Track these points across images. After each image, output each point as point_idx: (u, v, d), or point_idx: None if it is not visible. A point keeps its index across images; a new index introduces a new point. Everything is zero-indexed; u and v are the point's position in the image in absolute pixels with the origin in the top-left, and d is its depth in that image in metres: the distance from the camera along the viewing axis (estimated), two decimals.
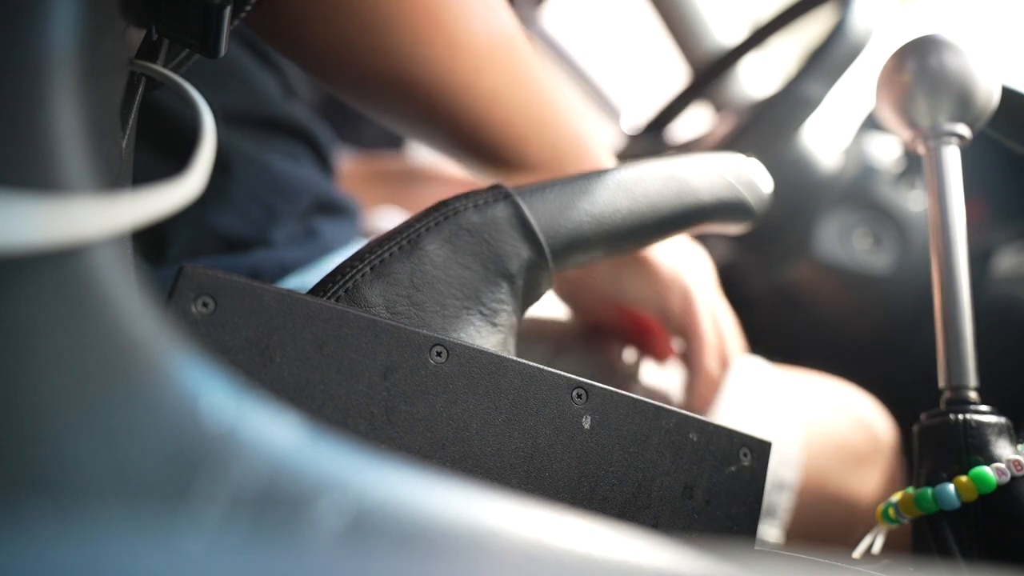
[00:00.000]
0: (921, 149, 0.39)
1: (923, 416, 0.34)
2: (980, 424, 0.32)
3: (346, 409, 0.26)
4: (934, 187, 0.38)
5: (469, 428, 0.27)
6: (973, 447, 0.32)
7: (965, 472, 0.31)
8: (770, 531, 0.53)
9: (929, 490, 0.32)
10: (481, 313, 0.31)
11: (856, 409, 0.58)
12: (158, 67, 0.28)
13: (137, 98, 0.29)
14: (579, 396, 0.29)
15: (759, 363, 0.60)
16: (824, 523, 0.53)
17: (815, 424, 0.55)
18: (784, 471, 0.52)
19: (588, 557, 0.15)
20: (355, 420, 0.26)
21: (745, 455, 0.32)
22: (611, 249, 0.35)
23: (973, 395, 0.34)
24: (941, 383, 0.34)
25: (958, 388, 0.34)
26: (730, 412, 0.53)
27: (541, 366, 0.29)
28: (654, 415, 0.30)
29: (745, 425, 0.53)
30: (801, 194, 0.77)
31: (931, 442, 0.34)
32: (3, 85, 0.15)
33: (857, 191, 0.76)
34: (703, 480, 0.31)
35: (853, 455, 0.55)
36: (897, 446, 0.59)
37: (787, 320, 0.82)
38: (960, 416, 0.33)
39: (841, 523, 0.54)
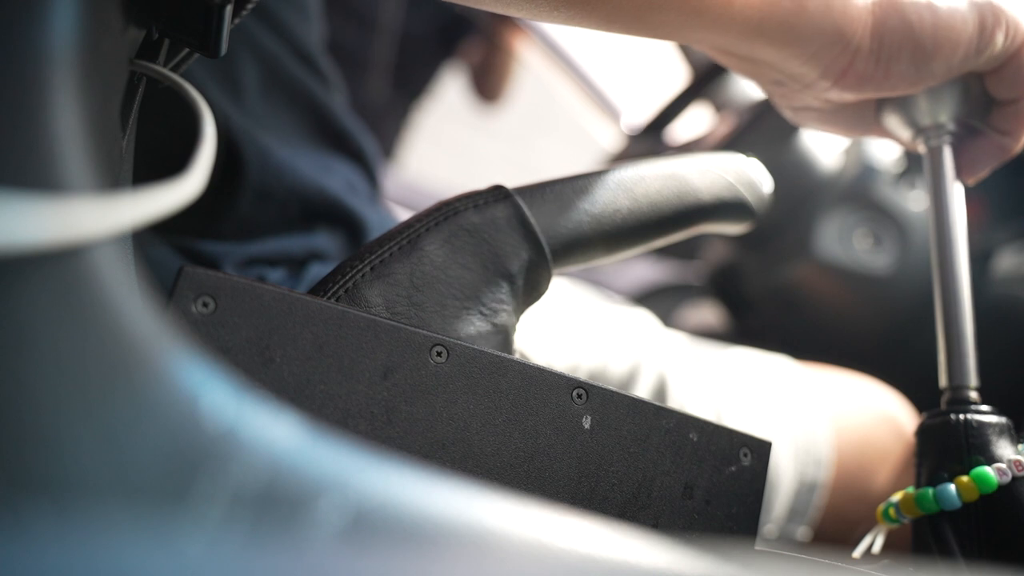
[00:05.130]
0: (921, 149, 0.39)
1: (924, 416, 0.34)
2: (981, 424, 0.32)
3: (346, 409, 0.26)
4: (934, 187, 0.38)
5: (469, 428, 0.27)
6: (974, 447, 0.32)
7: (966, 472, 0.31)
8: (800, 531, 0.53)
9: (930, 490, 0.32)
10: (481, 313, 0.31)
11: (880, 404, 0.58)
12: (158, 67, 0.28)
13: (137, 98, 0.29)
14: (579, 396, 0.29)
15: (786, 361, 0.60)
16: (849, 519, 0.53)
17: (841, 421, 0.55)
18: (816, 471, 0.52)
19: (588, 557, 0.15)
20: (355, 420, 0.26)
21: (745, 455, 0.32)
22: (611, 249, 0.35)
23: (974, 395, 0.34)
24: (942, 383, 0.34)
25: (959, 388, 0.34)
26: (761, 412, 0.53)
27: (541, 366, 0.29)
28: (654, 415, 0.30)
29: (777, 425, 0.53)
30: (801, 194, 0.77)
31: (932, 442, 0.34)
32: (3, 85, 0.15)
33: (857, 191, 0.76)
34: (703, 480, 0.31)
35: (878, 451, 0.55)
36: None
37: (787, 320, 0.82)
38: (961, 416, 0.33)
39: (865, 518, 0.54)
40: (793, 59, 0.35)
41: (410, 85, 1.35)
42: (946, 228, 0.36)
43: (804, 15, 0.33)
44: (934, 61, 0.35)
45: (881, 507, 0.35)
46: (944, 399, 0.34)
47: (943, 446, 0.33)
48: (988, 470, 0.31)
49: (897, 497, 0.34)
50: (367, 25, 1.22)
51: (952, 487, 0.31)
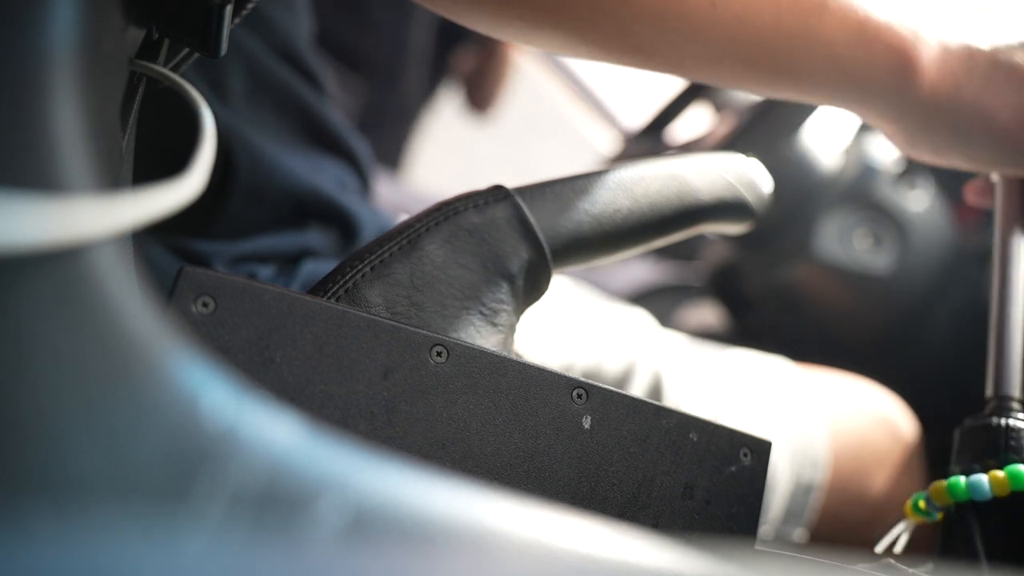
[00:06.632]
0: (995, 176, 0.41)
1: (967, 420, 0.36)
2: (1021, 430, 0.33)
3: (346, 409, 0.26)
4: (1003, 214, 0.40)
5: (469, 428, 0.27)
6: (1012, 448, 0.33)
7: (1001, 468, 0.32)
8: (797, 532, 0.53)
9: (962, 478, 0.32)
10: (481, 313, 0.31)
11: (877, 406, 0.58)
12: (158, 67, 0.28)
13: (137, 98, 0.29)
14: (579, 396, 0.29)
15: (784, 363, 0.60)
16: (845, 522, 0.53)
17: (838, 423, 0.55)
18: (812, 473, 0.52)
19: (588, 557, 0.15)
20: (355, 420, 0.26)
21: (745, 455, 0.32)
22: (611, 249, 0.35)
23: (1018, 406, 0.35)
24: (988, 391, 0.36)
25: (1004, 398, 0.35)
26: (758, 414, 0.53)
27: (541, 366, 0.29)
28: (654, 415, 0.30)
29: (774, 427, 0.53)
30: (801, 194, 0.77)
31: (971, 441, 0.35)
32: (3, 85, 0.15)
33: (857, 191, 0.76)
34: (703, 480, 0.31)
35: (875, 453, 0.55)
36: (919, 444, 0.59)
37: (787, 320, 0.82)
38: (1003, 420, 0.34)
39: (861, 521, 0.54)
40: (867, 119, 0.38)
41: (418, 92, 1.37)
42: (1009, 252, 0.38)
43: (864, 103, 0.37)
44: (985, 165, 0.38)
45: (910, 500, 0.35)
46: (989, 407, 0.35)
47: (981, 445, 0.34)
48: (1023, 468, 0.31)
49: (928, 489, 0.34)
50: (384, 34, 1.24)
51: (984, 478, 0.32)
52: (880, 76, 0.35)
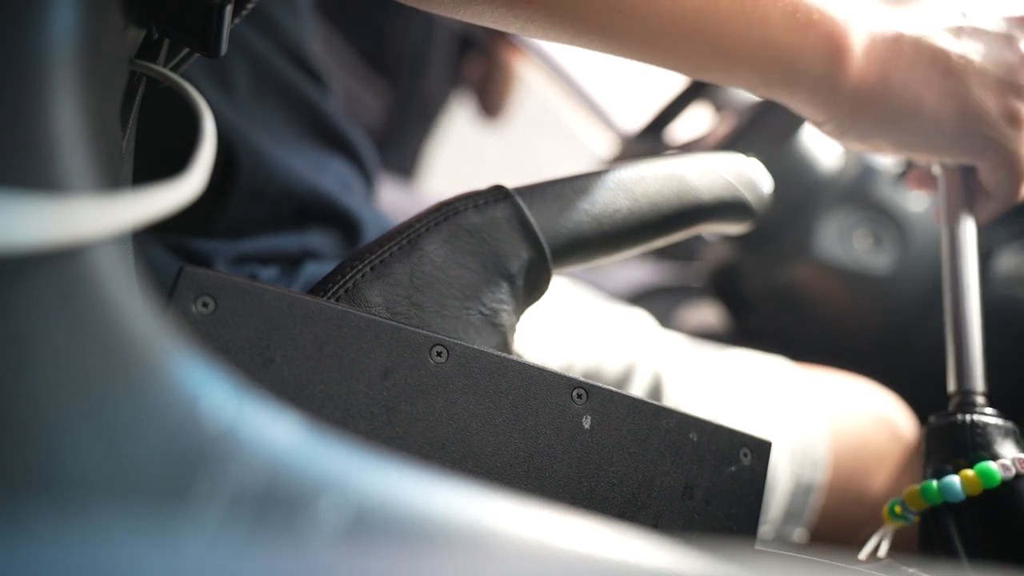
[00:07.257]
0: (936, 169, 0.40)
1: (932, 418, 0.35)
2: (987, 425, 0.33)
3: (346, 409, 0.26)
4: (947, 205, 0.39)
5: (469, 428, 0.27)
6: (979, 445, 0.32)
7: (971, 467, 0.32)
8: (797, 532, 0.53)
9: (934, 482, 0.32)
10: (481, 313, 0.31)
11: (877, 406, 0.58)
12: (158, 67, 0.28)
13: (137, 98, 0.29)
14: (579, 396, 0.29)
15: (783, 363, 0.60)
16: (845, 521, 0.53)
17: (838, 423, 0.55)
18: (813, 473, 0.52)
19: (588, 557, 0.15)
20: (355, 420, 0.26)
21: (745, 455, 0.32)
22: (611, 249, 0.35)
23: (981, 400, 0.34)
24: (951, 388, 0.35)
25: (967, 393, 0.34)
26: (757, 414, 0.53)
27: (541, 366, 0.29)
28: (654, 415, 0.30)
29: (774, 427, 0.53)
30: (801, 194, 0.76)
31: (938, 441, 0.34)
32: (3, 85, 0.15)
33: (857, 191, 0.76)
34: (703, 480, 0.31)
35: (875, 453, 0.55)
36: (919, 444, 0.59)
37: (787, 320, 0.82)
38: (967, 417, 0.33)
39: (861, 521, 0.54)
40: (795, 105, 0.39)
41: (438, 95, 1.39)
42: (957, 244, 0.37)
43: (793, 88, 0.37)
44: (912, 151, 0.39)
45: (887, 506, 0.35)
46: (953, 403, 0.35)
47: (949, 444, 0.33)
48: (992, 465, 0.31)
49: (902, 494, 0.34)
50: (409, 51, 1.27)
51: (956, 479, 0.32)
52: (811, 61, 0.35)
